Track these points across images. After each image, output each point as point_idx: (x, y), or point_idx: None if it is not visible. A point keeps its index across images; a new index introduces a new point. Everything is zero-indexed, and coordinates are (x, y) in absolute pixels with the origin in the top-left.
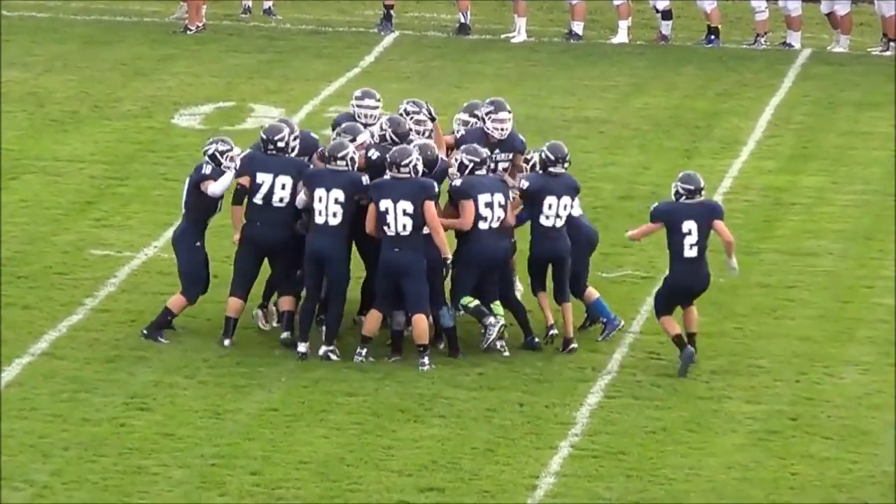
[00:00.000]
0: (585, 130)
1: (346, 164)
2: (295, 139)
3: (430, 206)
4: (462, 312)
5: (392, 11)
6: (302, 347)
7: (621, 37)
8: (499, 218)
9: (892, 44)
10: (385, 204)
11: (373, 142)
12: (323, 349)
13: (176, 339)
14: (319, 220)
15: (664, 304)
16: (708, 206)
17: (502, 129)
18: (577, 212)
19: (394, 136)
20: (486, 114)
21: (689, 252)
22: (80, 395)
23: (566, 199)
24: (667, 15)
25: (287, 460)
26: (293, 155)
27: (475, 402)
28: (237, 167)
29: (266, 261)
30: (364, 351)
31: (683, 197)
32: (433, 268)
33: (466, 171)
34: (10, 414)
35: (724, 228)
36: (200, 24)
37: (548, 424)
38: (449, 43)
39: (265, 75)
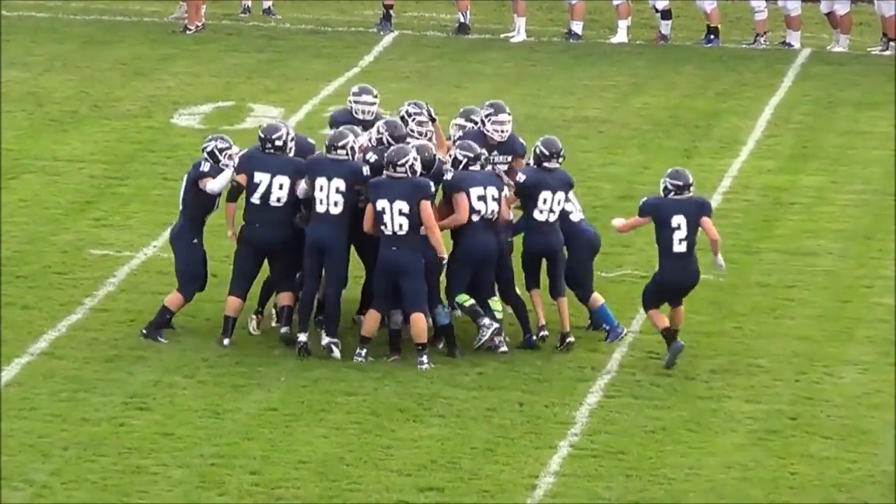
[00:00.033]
0: (585, 130)
1: (347, 154)
2: (292, 140)
3: (426, 205)
4: (458, 311)
5: (391, 11)
6: (302, 337)
7: (621, 36)
8: (492, 211)
9: (891, 43)
10: (382, 204)
11: (370, 145)
12: (325, 340)
13: (175, 338)
14: (320, 208)
15: (652, 299)
16: (697, 202)
17: (502, 132)
18: (576, 217)
19: (391, 140)
20: (486, 116)
21: (679, 247)
22: (80, 394)
23: (560, 195)
24: (666, 14)
25: (286, 460)
26: (291, 155)
27: (474, 401)
28: (235, 164)
29: (265, 261)
30: (363, 351)
31: (672, 192)
32: (430, 267)
33: (460, 167)
34: (10, 413)
35: (711, 226)
36: (200, 24)
37: (547, 424)
38: (448, 43)
39: (264, 75)
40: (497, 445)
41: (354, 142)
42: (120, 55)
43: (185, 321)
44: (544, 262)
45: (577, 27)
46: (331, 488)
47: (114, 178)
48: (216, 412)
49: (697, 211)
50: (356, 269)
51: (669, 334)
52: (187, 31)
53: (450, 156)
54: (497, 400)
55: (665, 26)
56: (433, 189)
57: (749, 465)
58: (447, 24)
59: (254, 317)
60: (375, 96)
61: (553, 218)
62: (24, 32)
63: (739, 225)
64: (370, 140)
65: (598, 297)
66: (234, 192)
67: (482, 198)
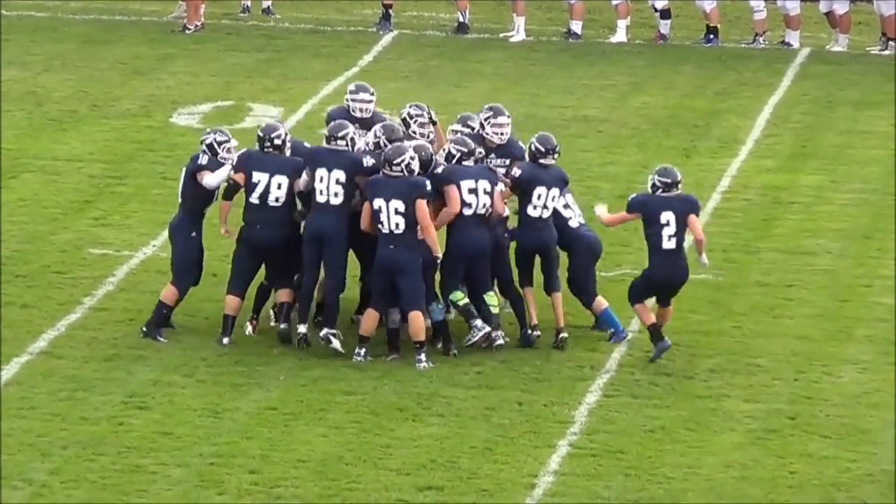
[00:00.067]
0: (584, 129)
1: (347, 144)
2: (289, 140)
3: (421, 204)
4: (452, 314)
5: (391, 10)
6: (302, 328)
7: (620, 36)
8: (484, 205)
9: (890, 43)
10: (378, 202)
11: (367, 149)
12: (324, 331)
13: (174, 337)
14: (320, 199)
15: (638, 294)
16: (685, 199)
17: (501, 134)
18: (575, 223)
19: (387, 143)
20: (485, 119)
21: (668, 243)
22: (79, 393)
23: (555, 191)
24: (665, 14)
25: (285, 459)
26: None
27: (474, 400)
28: (234, 162)
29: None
30: (362, 350)
31: (660, 189)
32: (426, 265)
33: (453, 161)
34: (9, 413)
35: (697, 225)
36: (199, 24)
37: (546, 423)
38: (447, 42)
39: (264, 74)
40: (496, 444)
41: (355, 133)
42: (119, 55)
43: (185, 320)
44: (538, 259)
45: (576, 27)
46: (330, 487)
47: (113, 178)
48: (215, 411)
49: (686, 208)
50: (354, 269)
51: (655, 331)
52: (186, 31)
53: (444, 150)
54: (496, 399)
55: (664, 26)
56: (429, 188)
57: (748, 465)
58: (446, 24)
59: (248, 324)
60: (372, 94)
61: (546, 214)
62: (23, 32)
63: (738, 224)
64: (367, 144)
65: (601, 301)
66: (230, 190)
67: (473, 191)
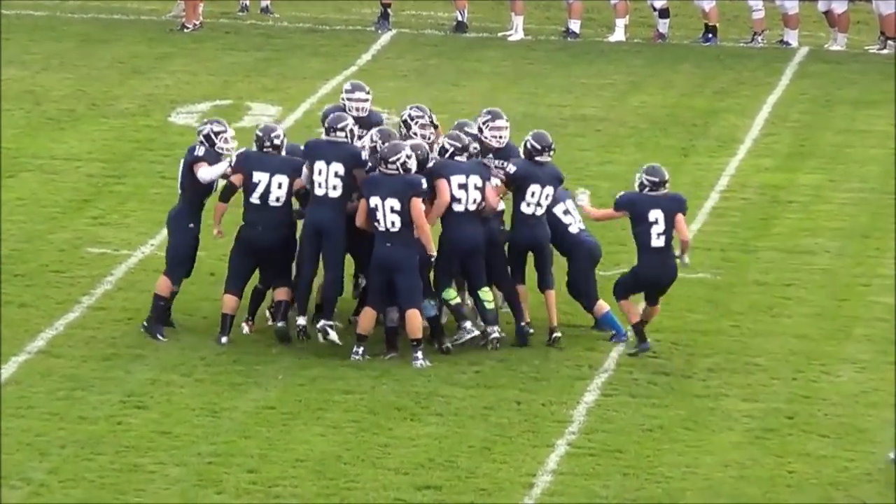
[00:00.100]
0: (582, 128)
1: (346, 136)
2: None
3: (416, 202)
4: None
5: (389, 9)
6: (301, 321)
7: (618, 35)
8: (475, 200)
9: (889, 42)
10: (374, 200)
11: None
12: (321, 322)
13: (173, 336)
14: (319, 192)
15: (624, 290)
16: (673, 198)
17: (500, 137)
18: (575, 228)
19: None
20: (484, 122)
21: (657, 241)
22: (77, 393)
23: (549, 189)
24: (664, 13)
25: (284, 458)
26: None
27: (472, 400)
28: (232, 161)
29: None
30: (360, 349)
31: (648, 188)
32: (420, 263)
33: (446, 156)
34: (7, 412)
35: (684, 226)
36: (197, 23)
37: (545, 422)
38: (446, 41)
39: (262, 73)
40: (494, 444)
41: (353, 124)
42: (117, 53)
43: (183, 319)
44: (531, 257)
45: (574, 26)
46: (328, 487)
47: (111, 177)
48: (213, 410)
49: (674, 207)
50: (351, 268)
51: (640, 329)
52: (185, 30)
53: (437, 143)
54: (494, 398)
55: (663, 25)
56: (425, 187)
57: (746, 464)
58: (445, 23)
59: (244, 324)
60: (368, 93)
61: (540, 212)
62: (21, 31)
63: (737, 223)
64: (363, 148)
65: (602, 305)
66: (227, 191)
67: (463, 186)
